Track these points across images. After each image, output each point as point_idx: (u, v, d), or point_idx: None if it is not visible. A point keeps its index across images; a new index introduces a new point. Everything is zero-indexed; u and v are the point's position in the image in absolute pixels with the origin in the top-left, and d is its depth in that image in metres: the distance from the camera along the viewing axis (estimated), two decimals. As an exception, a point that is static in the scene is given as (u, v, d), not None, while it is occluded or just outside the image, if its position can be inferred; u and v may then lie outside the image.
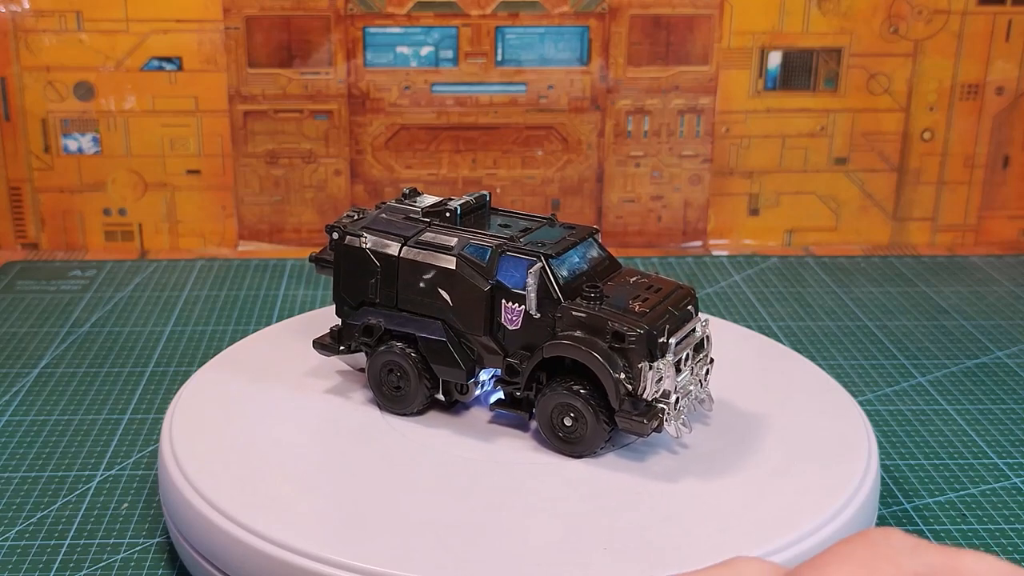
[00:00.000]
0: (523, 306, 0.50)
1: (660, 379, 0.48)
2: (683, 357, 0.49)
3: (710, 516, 0.46)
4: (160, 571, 0.50)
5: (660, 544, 0.44)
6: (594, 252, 0.53)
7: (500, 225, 0.54)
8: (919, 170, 0.95)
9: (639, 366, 0.47)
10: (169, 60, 0.88)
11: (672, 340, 0.48)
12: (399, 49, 0.89)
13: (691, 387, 0.51)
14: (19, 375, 0.68)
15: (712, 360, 0.53)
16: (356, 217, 0.56)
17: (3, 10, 0.86)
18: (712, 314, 0.75)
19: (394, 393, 0.54)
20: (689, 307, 0.51)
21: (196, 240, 0.93)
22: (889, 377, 0.70)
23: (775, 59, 0.91)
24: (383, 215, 0.55)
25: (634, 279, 0.52)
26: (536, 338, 0.50)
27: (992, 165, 0.95)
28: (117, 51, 0.88)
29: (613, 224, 0.94)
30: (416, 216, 0.54)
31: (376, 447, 0.51)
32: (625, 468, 0.49)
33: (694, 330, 0.51)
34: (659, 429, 0.49)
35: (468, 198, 0.55)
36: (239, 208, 0.92)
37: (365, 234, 0.54)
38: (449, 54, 0.90)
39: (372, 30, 0.89)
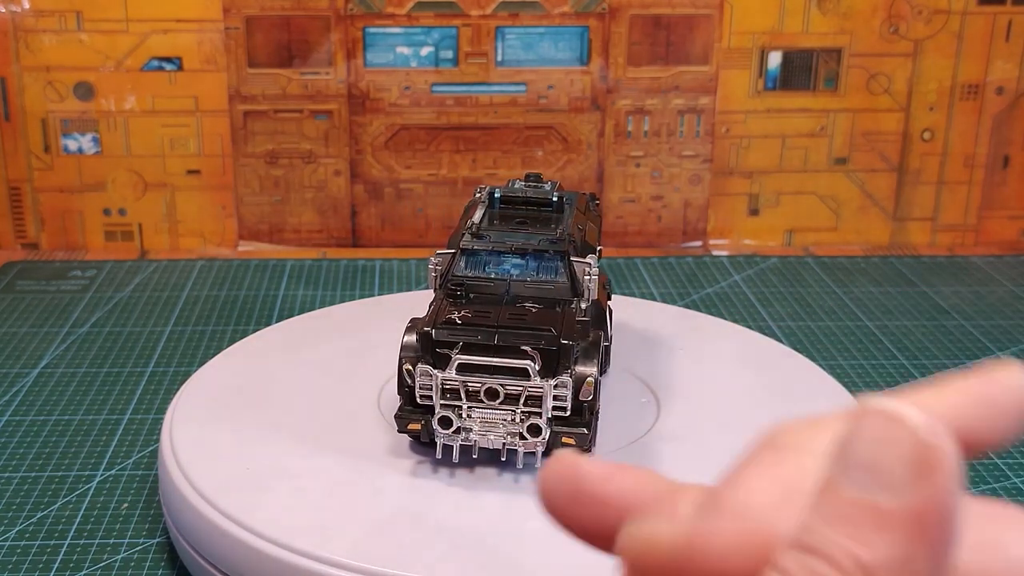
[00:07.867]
0: None
1: (428, 387, 0.47)
2: (485, 389, 0.47)
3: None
4: (160, 571, 0.50)
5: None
6: (552, 273, 0.51)
7: (519, 220, 0.55)
8: (919, 170, 0.95)
9: (416, 364, 0.47)
10: (169, 60, 0.88)
11: (458, 356, 0.46)
12: (399, 49, 0.89)
13: (500, 427, 0.47)
14: (19, 375, 0.68)
15: (586, 434, 0.47)
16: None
17: (3, 10, 0.86)
18: (712, 314, 0.75)
19: None
20: (527, 350, 0.46)
21: (196, 240, 0.93)
22: (889, 377, 0.70)
23: (775, 59, 0.91)
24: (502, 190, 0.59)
25: (535, 306, 0.49)
26: None
27: (992, 165, 0.95)
28: (117, 51, 0.88)
29: (613, 224, 0.94)
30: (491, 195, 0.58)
31: (376, 447, 0.51)
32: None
33: (524, 374, 0.46)
34: (420, 437, 0.48)
35: (529, 189, 0.57)
36: (239, 208, 0.92)
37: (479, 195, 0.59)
38: (449, 54, 0.90)
39: (372, 30, 0.89)
